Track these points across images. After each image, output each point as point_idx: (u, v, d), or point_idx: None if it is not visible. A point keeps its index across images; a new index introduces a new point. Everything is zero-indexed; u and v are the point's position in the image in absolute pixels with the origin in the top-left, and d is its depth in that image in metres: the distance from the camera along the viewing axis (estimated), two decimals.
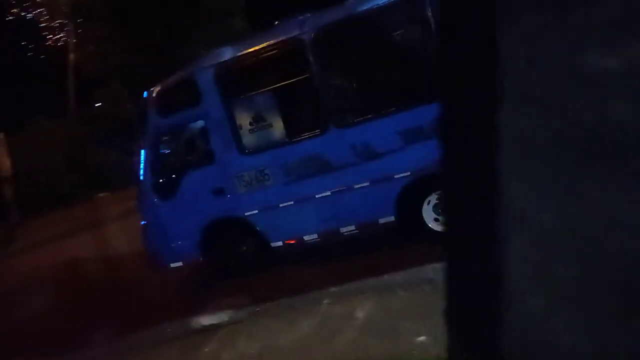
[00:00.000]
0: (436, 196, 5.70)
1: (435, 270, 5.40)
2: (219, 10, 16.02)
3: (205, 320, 6.36)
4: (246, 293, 6.59)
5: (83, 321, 7.28)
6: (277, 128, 6.28)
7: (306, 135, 6.15)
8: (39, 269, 10.22)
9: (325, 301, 5.65)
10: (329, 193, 6.09)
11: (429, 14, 5.20)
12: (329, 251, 6.42)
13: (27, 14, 18.27)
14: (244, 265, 6.87)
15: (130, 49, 16.58)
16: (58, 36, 18.41)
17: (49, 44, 18.56)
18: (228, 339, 5.67)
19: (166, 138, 6.86)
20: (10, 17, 18.15)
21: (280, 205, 6.28)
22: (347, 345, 4.67)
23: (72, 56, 18.76)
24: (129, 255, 9.53)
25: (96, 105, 20.99)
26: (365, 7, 5.78)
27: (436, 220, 5.87)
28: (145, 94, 6.80)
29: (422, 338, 4.29)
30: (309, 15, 6.36)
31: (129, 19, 15.93)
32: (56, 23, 18.13)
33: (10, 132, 15.23)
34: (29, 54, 19.09)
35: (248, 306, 6.35)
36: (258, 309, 6.19)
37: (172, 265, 7.11)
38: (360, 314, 5.08)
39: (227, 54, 6.51)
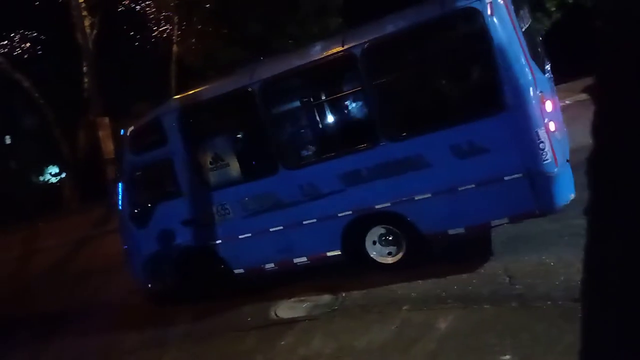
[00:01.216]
0: (378, 230, 6.23)
1: (525, 287, 5.12)
2: (317, 7, 16.17)
3: (283, 313, 6.41)
4: (326, 290, 6.56)
5: (172, 300, 7.53)
6: (234, 167, 6.70)
7: (259, 175, 6.66)
8: None
9: (405, 307, 5.51)
10: (281, 227, 6.50)
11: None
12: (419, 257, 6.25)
13: (136, 5, 19.23)
14: (211, 288, 7.21)
15: (229, 41, 17.06)
16: (163, 28, 19.23)
17: (154, 35, 19.45)
18: (304, 334, 5.65)
19: (139, 173, 7.24)
20: (120, 8, 19.17)
21: (240, 236, 6.72)
22: (426, 357, 4.50)
23: (175, 47, 19.55)
24: None
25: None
26: (305, 62, 6.32)
27: (379, 251, 6.34)
28: (122, 132, 7.40)
29: (507, 357, 4.06)
30: (260, 62, 7.11)
31: (230, 12, 16.37)
32: (162, 15, 18.95)
33: (115, 117, 16.08)
34: (135, 44, 20.12)
35: (326, 304, 6.32)
36: (336, 307, 6.14)
37: (149, 286, 7.49)
38: (441, 324, 4.89)
39: (190, 100, 7.02)
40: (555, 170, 5.27)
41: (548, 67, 6.35)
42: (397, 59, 6.02)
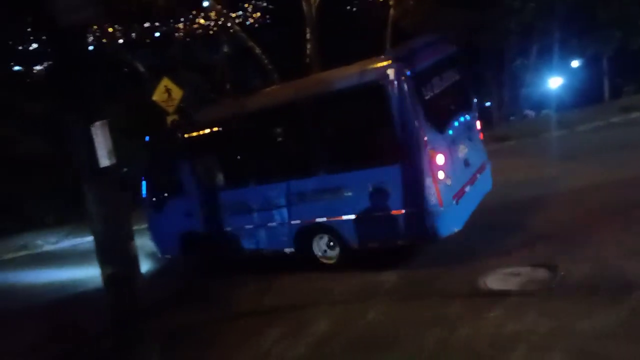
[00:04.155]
0: (324, 237, 7.80)
1: None
2: None
3: (494, 284, 6.12)
4: (543, 265, 6.11)
5: (378, 259, 7.74)
6: (220, 178, 8.65)
7: (235, 186, 8.47)
8: None
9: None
10: (252, 226, 8.34)
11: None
12: None
13: None
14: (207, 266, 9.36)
15: (447, 3, 16.69)
16: None
17: (372, 1, 19.75)
18: (515, 309, 5.34)
19: (156, 172, 9.34)
20: None
21: (224, 229, 8.64)
22: None
23: (391, 11, 19.62)
24: None
25: None
26: (261, 107, 8.18)
27: (323, 253, 7.92)
28: (147, 138, 9.48)
29: None
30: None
31: None
32: None
33: None
34: (353, 10, 20.66)
35: (542, 280, 5.88)
36: (553, 285, 5.67)
37: (165, 256, 9.87)
38: None
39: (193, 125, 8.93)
40: (440, 209, 6.68)
41: (467, 117, 7.94)
42: (327, 113, 7.46)
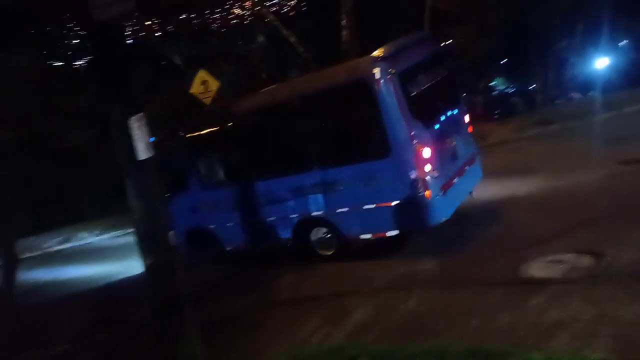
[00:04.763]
0: (321, 230, 8.14)
1: None
2: None
3: (536, 272, 6.00)
4: (587, 252, 5.95)
5: (418, 247, 7.70)
6: (222, 176, 9.11)
7: (236, 183, 8.82)
8: None
9: None
10: (253, 221, 8.72)
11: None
12: None
13: None
14: (213, 260, 9.55)
15: None
16: None
17: None
18: (558, 297, 5.22)
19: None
20: None
21: (227, 224, 9.04)
22: None
23: None
24: None
25: (447, 42, 21.36)
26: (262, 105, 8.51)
27: (320, 245, 8.26)
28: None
29: None
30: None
31: None
32: None
33: None
34: None
35: (585, 267, 5.73)
36: (597, 272, 5.51)
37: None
38: None
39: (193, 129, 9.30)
40: (428, 200, 7.01)
41: (454, 111, 8.18)
42: (319, 111, 7.72)
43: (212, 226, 9.30)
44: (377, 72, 6.95)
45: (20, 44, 6.60)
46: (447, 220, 7.20)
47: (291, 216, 8.24)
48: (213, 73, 10.83)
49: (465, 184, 7.95)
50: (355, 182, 7.45)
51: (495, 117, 20.55)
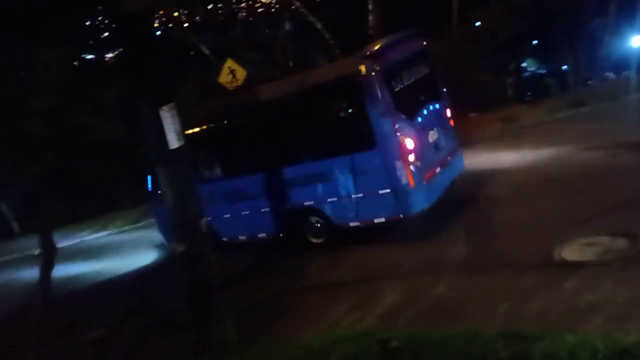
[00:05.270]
0: (313, 219, 8.50)
1: None
2: None
3: (569, 255, 5.92)
4: (622, 235, 5.84)
5: (447, 231, 7.66)
6: (217, 170, 9.42)
7: (231, 176, 9.18)
8: None
9: None
10: (248, 212, 9.07)
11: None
12: None
13: None
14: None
15: None
16: None
17: None
18: (592, 280, 5.16)
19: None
20: None
21: (224, 216, 9.32)
22: None
23: None
24: (486, 176, 9.53)
25: (476, 24, 21.02)
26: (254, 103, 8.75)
27: (312, 234, 8.62)
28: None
29: None
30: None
31: None
32: None
33: None
34: None
35: (619, 250, 5.63)
36: (631, 254, 5.42)
37: (171, 243, 9.77)
38: None
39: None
40: (411, 189, 7.45)
41: (436, 106, 8.63)
42: (310, 106, 8.16)
43: (208, 218, 9.49)
44: (363, 69, 7.44)
45: (52, 36, 6.75)
46: (477, 204, 7.18)
47: (284, 206, 8.61)
48: (240, 62, 10.89)
49: (447, 174, 8.42)
50: (344, 173, 7.89)
51: (527, 99, 20.18)
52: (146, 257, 11.32)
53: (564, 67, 22.14)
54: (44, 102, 6.52)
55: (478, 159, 10.58)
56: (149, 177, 10.31)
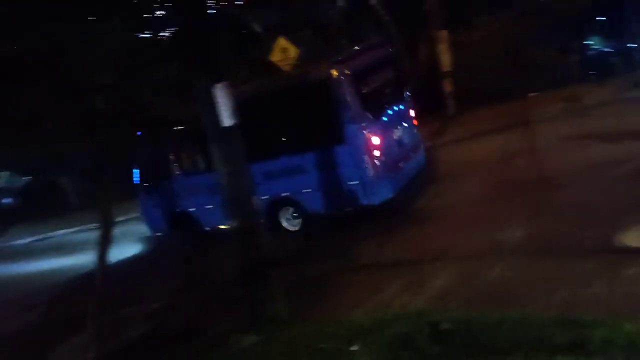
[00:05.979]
0: (289, 209, 9.28)
1: None
2: None
3: (632, 241, 5.68)
4: None
5: (500, 211, 7.46)
6: (197, 164, 9.89)
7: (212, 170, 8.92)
8: (467, 160, 10.80)
9: None
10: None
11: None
12: None
13: None
14: (195, 242, 10.38)
15: None
16: None
17: None
18: None
19: (148, 160, 10.63)
20: None
21: (206, 207, 9.88)
22: None
23: None
24: (546, 158, 9.21)
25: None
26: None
27: (288, 222, 9.38)
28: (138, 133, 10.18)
29: None
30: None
31: None
32: None
33: (454, 29, 16.09)
34: None
35: None
36: None
37: (156, 234, 11.12)
38: None
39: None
40: (376, 180, 8.39)
41: (400, 106, 9.74)
42: (287, 105, 8.87)
43: (192, 209, 10.25)
44: (333, 72, 8.39)
45: (109, 13, 6.89)
46: (528, 188, 7.31)
47: (263, 197, 8.73)
48: (292, 40, 10.86)
49: (410, 167, 9.45)
50: (317, 166, 8.73)
51: (590, 78, 19.32)
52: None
53: (632, 45, 20.98)
54: (104, 78, 6.68)
55: (540, 142, 10.25)
56: (135, 171, 10.83)
